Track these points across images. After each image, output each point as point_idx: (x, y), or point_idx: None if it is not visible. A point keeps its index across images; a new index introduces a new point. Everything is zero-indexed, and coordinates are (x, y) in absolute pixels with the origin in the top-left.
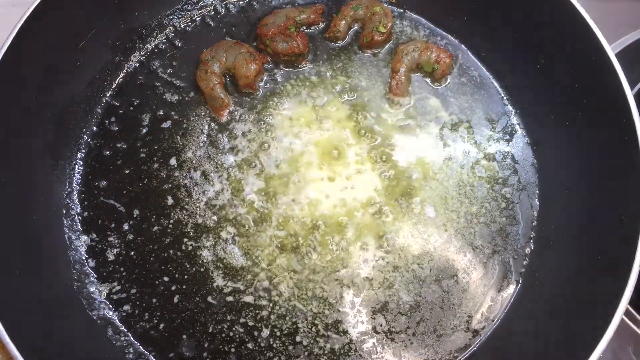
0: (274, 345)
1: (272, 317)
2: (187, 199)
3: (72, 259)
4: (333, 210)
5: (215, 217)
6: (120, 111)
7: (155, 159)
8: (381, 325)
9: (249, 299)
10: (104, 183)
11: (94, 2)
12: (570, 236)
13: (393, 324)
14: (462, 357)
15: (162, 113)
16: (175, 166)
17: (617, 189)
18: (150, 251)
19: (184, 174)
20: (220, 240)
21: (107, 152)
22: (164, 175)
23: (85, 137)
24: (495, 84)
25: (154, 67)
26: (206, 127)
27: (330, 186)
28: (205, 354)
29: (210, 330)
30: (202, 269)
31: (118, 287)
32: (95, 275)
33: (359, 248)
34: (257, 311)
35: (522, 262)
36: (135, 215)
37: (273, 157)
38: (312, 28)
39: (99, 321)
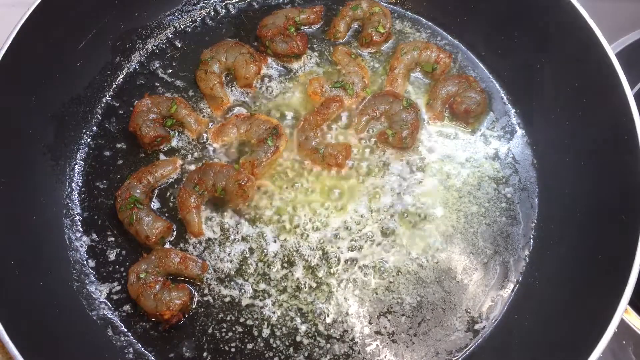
0: (274, 345)
1: (272, 317)
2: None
3: (72, 259)
4: (333, 211)
5: (213, 218)
6: (120, 111)
7: (155, 159)
8: (385, 328)
9: (248, 299)
10: (104, 183)
11: (94, 2)
12: (570, 236)
13: (395, 325)
14: (462, 357)
15: None
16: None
17: (617, 189)
18: (149, 251)
19: (183, 173)
20: (219, 240)
21: (107, 152)
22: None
23: (85, 137)
24: (496, 83)
25: (154, 68)
26: (206, 127)
27: (329, 186)
28: (205, 354)
29: (210, 330)
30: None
31: (118, 287)
32: (95, 275)
33: (359, 249)
34: (257, 311)
35: (522, 262)
36: None
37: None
38: (311, 27)
39: (98, 321)
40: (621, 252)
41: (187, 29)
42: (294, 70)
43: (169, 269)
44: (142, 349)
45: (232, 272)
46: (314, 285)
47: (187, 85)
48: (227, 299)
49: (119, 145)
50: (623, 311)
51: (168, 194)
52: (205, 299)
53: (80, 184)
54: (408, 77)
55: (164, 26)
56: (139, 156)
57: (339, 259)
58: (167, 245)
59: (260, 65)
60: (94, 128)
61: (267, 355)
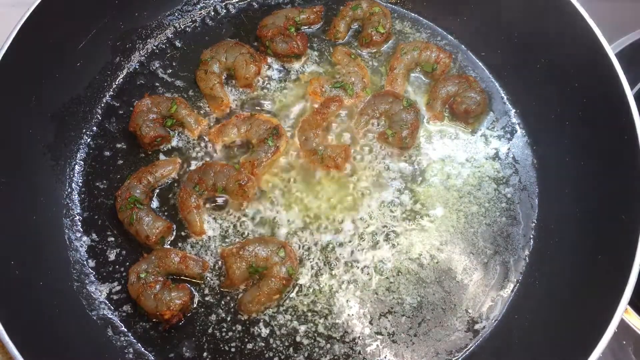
0: (274, 345)
1: (272, 316)
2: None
3: (72, 259)
4: (334, 212)
5: (213, 217)
6: (120, 111)
7: (155, 159)
8: (386, 328)
9: None
10: (104, 183)
11: (94, 2)
12: (570, 236)
13: (396, 326)
14: (462, 357)
15: None
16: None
17: (617, 189)
18: (150, 251)
19: (183, 173)
20: (220, 239)
21: (107, 152)
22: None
23: (85, 137)
24: (496, 83)
25: (154, 68)
26: (206, 127)
27: (330, 185)
28: (205, 354)
29: (210, 330)
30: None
31: (118, 287)
32: (95, 275)
33: (360, 250)
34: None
35: (522, 262)
36: None
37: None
38: (311, 27)
39: (98, 321)
40: (621, 252)
41: (187, 29)
42: (294, 71)
43: (169, 268)
44: (142, 349)
45: None
46: (315, 286)
47: (187, 85)
48: (228, 299)
49: (119, 145)
50: (623, 311)
51: (169, 194)
52: (206, 298)
53: (80, 184)
54: (408, 77)
55: (164, 26)
56: (139, 156)
57: (339, 260)
58: (167, 245)
59: (260, 65)
60: (94, 128)
61: (267, 355)
